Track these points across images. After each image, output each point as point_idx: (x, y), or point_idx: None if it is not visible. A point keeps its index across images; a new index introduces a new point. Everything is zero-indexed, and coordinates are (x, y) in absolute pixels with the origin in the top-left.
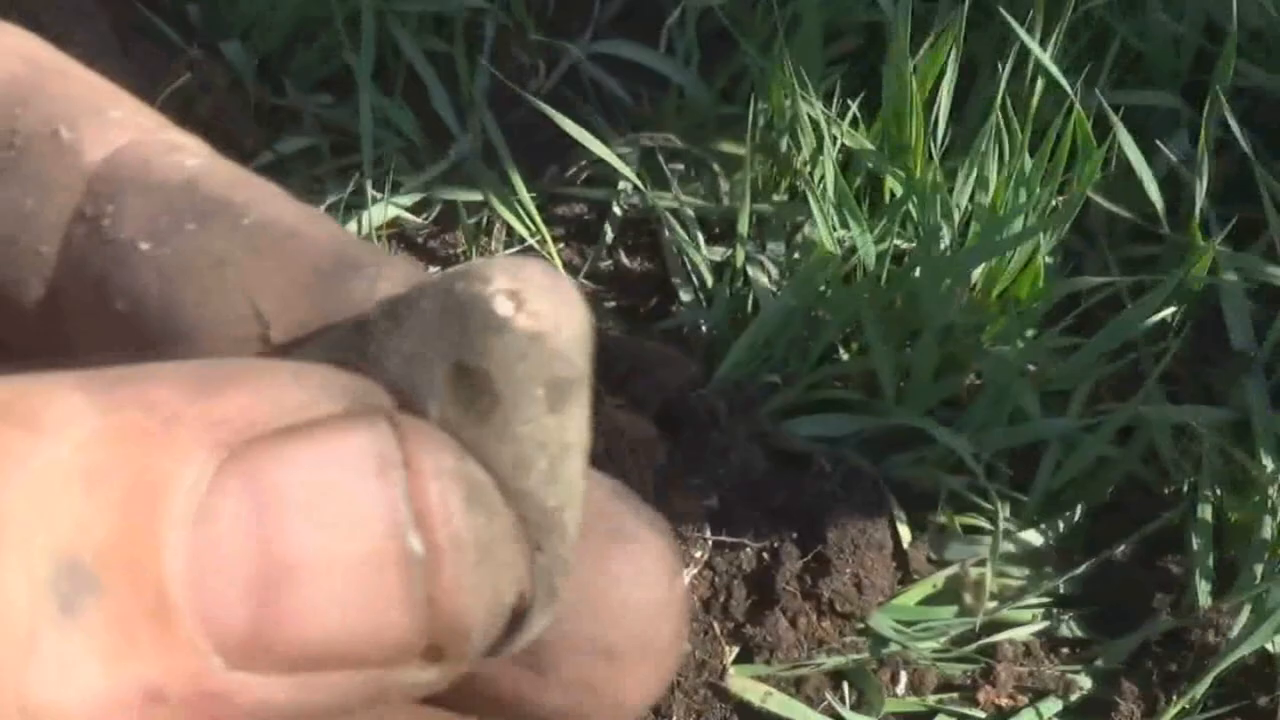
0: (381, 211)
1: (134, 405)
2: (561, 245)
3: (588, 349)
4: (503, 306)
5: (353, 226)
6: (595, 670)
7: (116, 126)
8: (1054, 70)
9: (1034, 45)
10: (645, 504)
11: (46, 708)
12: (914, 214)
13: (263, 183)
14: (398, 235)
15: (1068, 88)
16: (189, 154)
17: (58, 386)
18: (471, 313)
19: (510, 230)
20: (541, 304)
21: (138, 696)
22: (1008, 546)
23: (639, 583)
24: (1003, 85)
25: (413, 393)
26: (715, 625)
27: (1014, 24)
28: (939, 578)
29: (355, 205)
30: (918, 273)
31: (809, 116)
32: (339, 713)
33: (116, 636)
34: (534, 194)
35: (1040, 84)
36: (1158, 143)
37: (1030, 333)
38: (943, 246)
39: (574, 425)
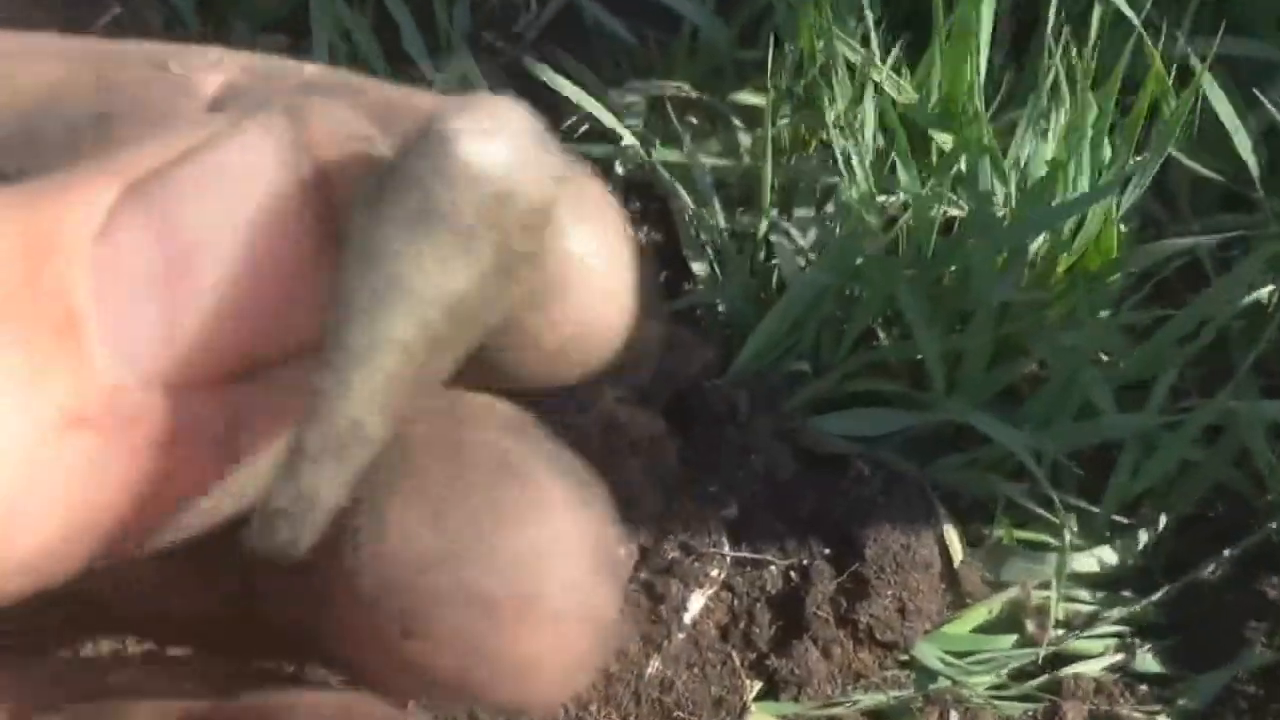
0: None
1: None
2: None
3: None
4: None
5: None
6: (473, 626)
7: (217, 66)
8: (1134, 17)
9: None
10: (559, 449)
11: None
12: (964, 174)
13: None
14: None
15: (1136, 22)
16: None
17: None
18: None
19: None
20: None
21: (58, 423)
22: (1076, 565)
23: (522, 526)
24: (1061, 23)
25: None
26: (735, 656)
27: None
28: (995, 602)
29: None
30: (969, 243)
31: (845, 60)
32: (268, 430)
33: (28, 362)
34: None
35: (1099, 22)
36: (1255, 92)
37: (1102, 313)
38: (998, 212)
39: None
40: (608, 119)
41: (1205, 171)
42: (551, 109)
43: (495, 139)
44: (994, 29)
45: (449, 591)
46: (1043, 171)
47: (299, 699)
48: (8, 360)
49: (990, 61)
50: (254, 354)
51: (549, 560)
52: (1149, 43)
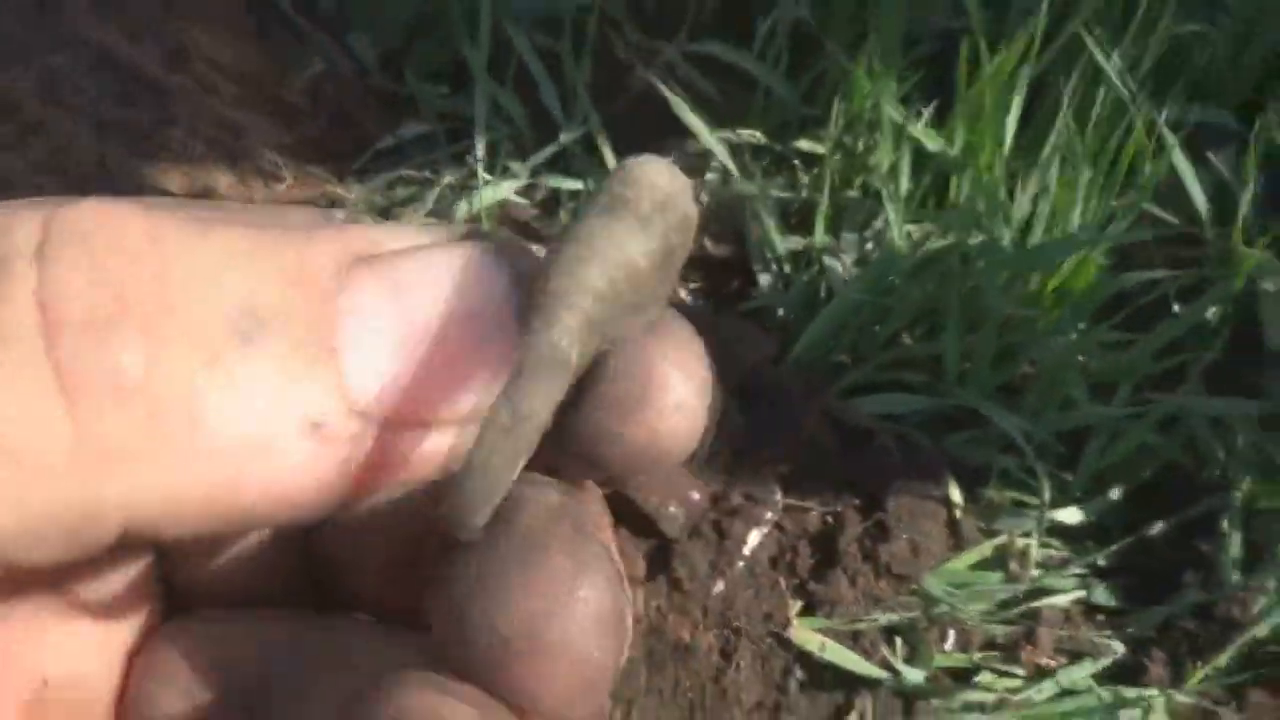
0: (491, 194)
1: (279, 256)
2: None
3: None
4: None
5: (464, 207)
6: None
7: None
8: (1118, 83)
9: (1101, 58)
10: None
11: (219, 417)
12: (981, 215)
13: None
14: (505, 217)
15: (1127, 99)
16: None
17: (205, 211)
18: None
19: None
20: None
21: (300, 422)
22: (1052, 521)
23: (668, 359)
24: (1066, 97)
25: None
26: (782, 581)
27: (1086, 37)
28: (988, 546)
29: (467, 188)
30: (980, 267)
31: (888, 118)
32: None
33: (286, 367)
34: None
35: (1104, 96)
36: (1209, 155)
37: (1082, 326)
38: (1005, 244)
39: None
40: (716, 148)
41: (1168, 218)
42: (652, 149)
43: (665, 166)
44: (1008, 94)
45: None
46: (1045, 216)
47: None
48: (277, 363)
49: (1005, 119)
50: (444, 414)
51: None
52: (1137, 121)
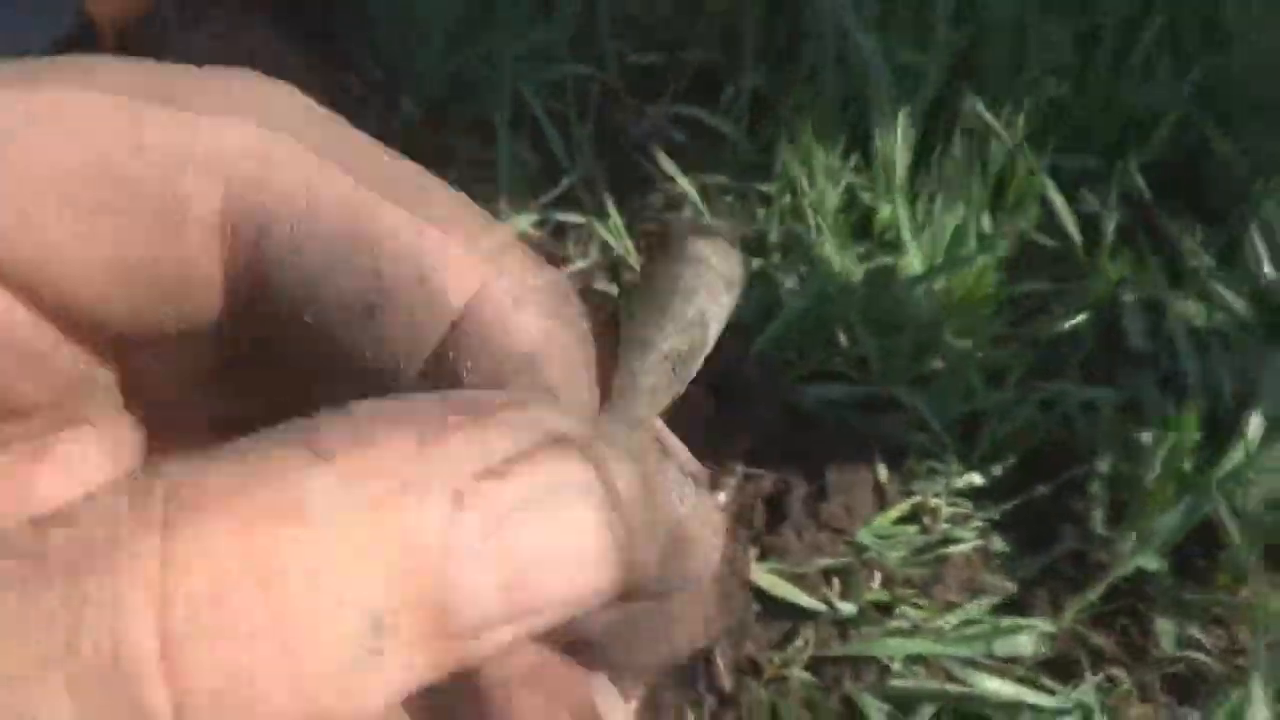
0: (512, 226)
1: (371, 476)
2: (639, 257)
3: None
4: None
5: None
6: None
7: (471, 269)
8: (1004, 135)
9: (989, 117)
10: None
11: (356, 705)
12: (897, 239)
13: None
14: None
15: (1009, 146)
16: (533, 312)
17: (300, 469)
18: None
19: (604, 244)
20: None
21: (419, 674)
22: (956, 484)
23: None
24: (966, 149)
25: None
26: (742, 534)
27: (977, 101)
28: (906, 505)
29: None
30: (899, 281)
31: (824, 165)
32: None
33: (410, 656)
34: (623, 217)
35: (996, 146)
36: (1080, 192)
37: (980, 329)
38: (917, 263)
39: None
40: (690, 190)
41: (1046, 241)
42: (640, 190)
43: (720, 238)
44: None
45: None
46: (948, 236)
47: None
48: (400, 656)
49: (914, 157)
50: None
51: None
52: (1020, 166)
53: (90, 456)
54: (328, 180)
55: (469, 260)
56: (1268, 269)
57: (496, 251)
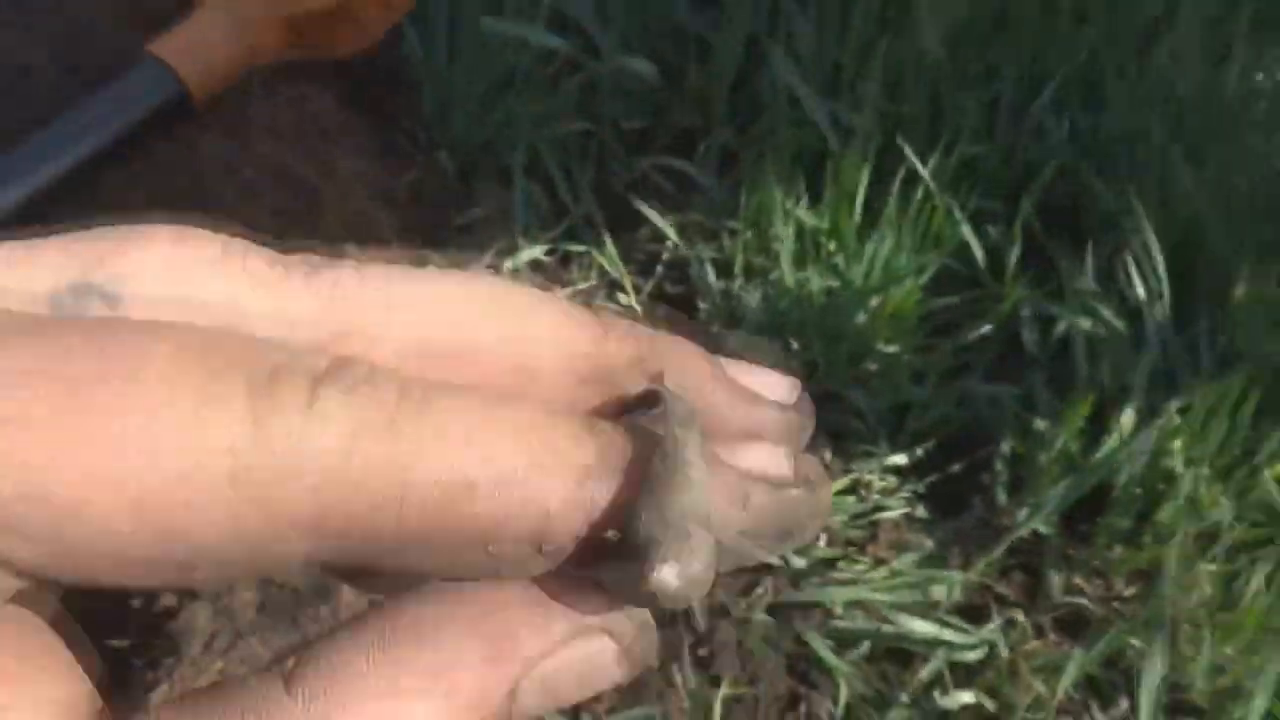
0: (526, 254)
1: (464, 694)
2: (631, 278)
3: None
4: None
5: (509, 264)
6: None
7: (575, 505)
8: (931, 184)
9: (921, 169)
10: None
11: None
12: (840, 266)
13: None
14: (536, 268)
15: (940, 197)
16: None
17: (417, 715)
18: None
19: (603, 269)
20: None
21: None
22: (887, 463)
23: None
24: (895, 192)
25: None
26: None
27: (909, 151)
28: (846, 480)
29: (509, 251)
30: (841, 298)
31: (780, 204)
32: None
33: None
34: (618, 247)
35: (922, 190)
36: (987, 228)
37: (906, 338)
38: (856, 284)
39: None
40: (668, 230)
41: (959, 267)
42: (633, 226)
43: (685, 570)
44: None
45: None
46: (881, 264)
47: None
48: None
49: (855, 199)
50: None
51: None
52: (939, 206)
53: None
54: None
55: (571, 495)
56: (1138, 288)
57: (590, 457)
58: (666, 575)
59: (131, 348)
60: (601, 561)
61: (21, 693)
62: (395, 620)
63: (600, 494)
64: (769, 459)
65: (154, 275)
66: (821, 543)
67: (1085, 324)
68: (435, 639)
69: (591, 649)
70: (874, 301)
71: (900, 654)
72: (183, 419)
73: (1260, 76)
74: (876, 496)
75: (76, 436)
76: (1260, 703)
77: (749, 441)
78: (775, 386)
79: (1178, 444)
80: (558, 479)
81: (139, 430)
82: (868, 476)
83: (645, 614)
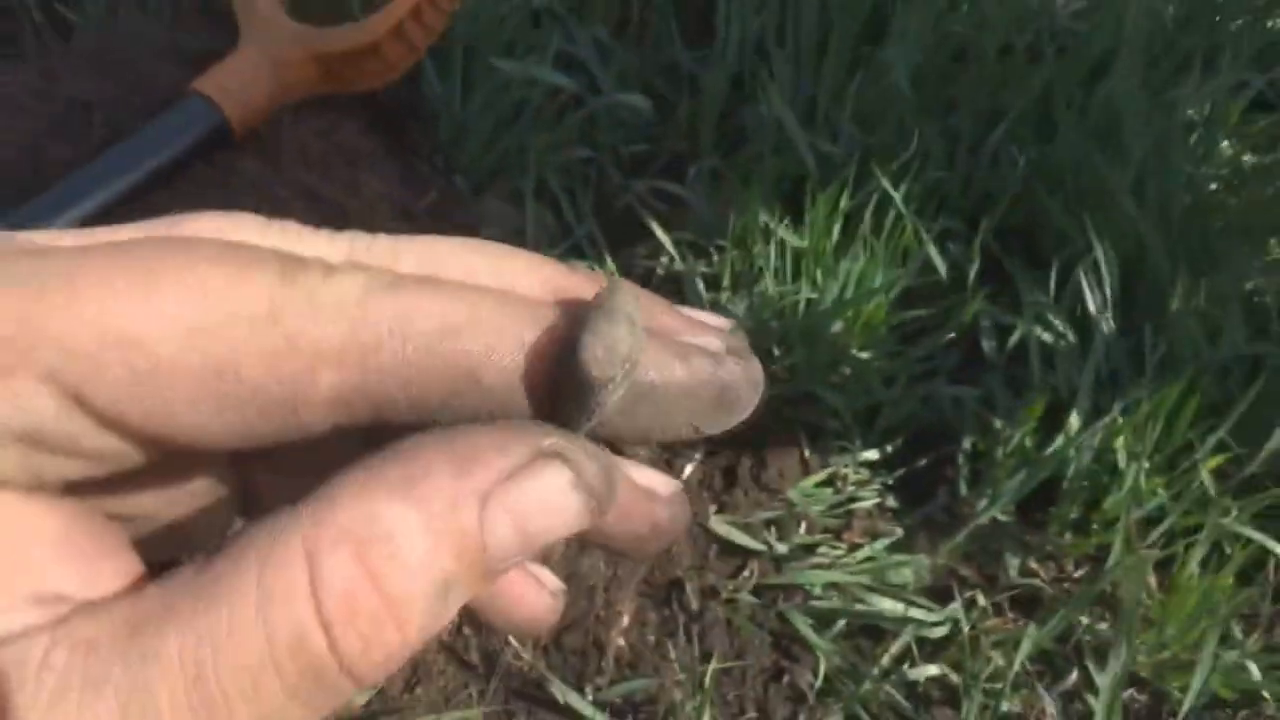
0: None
1: (435, 501)
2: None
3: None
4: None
5: None
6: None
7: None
8: (903, 209)
9: (892, 190)
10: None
11: (430, 627)
12: (818, 280)
13: None
14: None
15: (908, 218)
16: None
17: (391, 512)
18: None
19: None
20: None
21: (446, 583)
22: (861, 458)
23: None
24: (869, 214)
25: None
26: (705, 494)
27: (882, 178)
28: (824, 473)
29: None
30: (820, 310)
31: (763, 224)
32: None
33: (464, 593)
34: (616, 262)
35: (893, 213)
36: (949, 246)
37: (878, 345)
38: (832, 299)
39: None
40: (668, 243)
41: (926, 283)
42: (631, 243)
43: (616, 323)
44: (835, 208)
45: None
46: (855, 279)
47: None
48: (462, 595)
49: (832, 220)
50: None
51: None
52: (908, 227)
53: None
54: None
55: (543, 323)
56: (1088, 301)
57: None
58: (589, 342)
59: (185, 242)
60: (556, 405)
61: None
62: (378, 453)
63: (563, 323)
64: (707, 342)
65: (210, 231)
66: (801, 530)
67: (1039, 333)
68: (410, 458)
69: (550, 472)
70: (848, 313)
71: (873, 631)
72: (228, 276)
73: (1191, 111)
74: (851, 488)
75: (145, 294)
76: (1199, 677)
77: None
78: (717, 320)
79: (1121, 441)
80: (528, 315)
81: (194, 285)
82: (843, 470)
83: (607, 456)
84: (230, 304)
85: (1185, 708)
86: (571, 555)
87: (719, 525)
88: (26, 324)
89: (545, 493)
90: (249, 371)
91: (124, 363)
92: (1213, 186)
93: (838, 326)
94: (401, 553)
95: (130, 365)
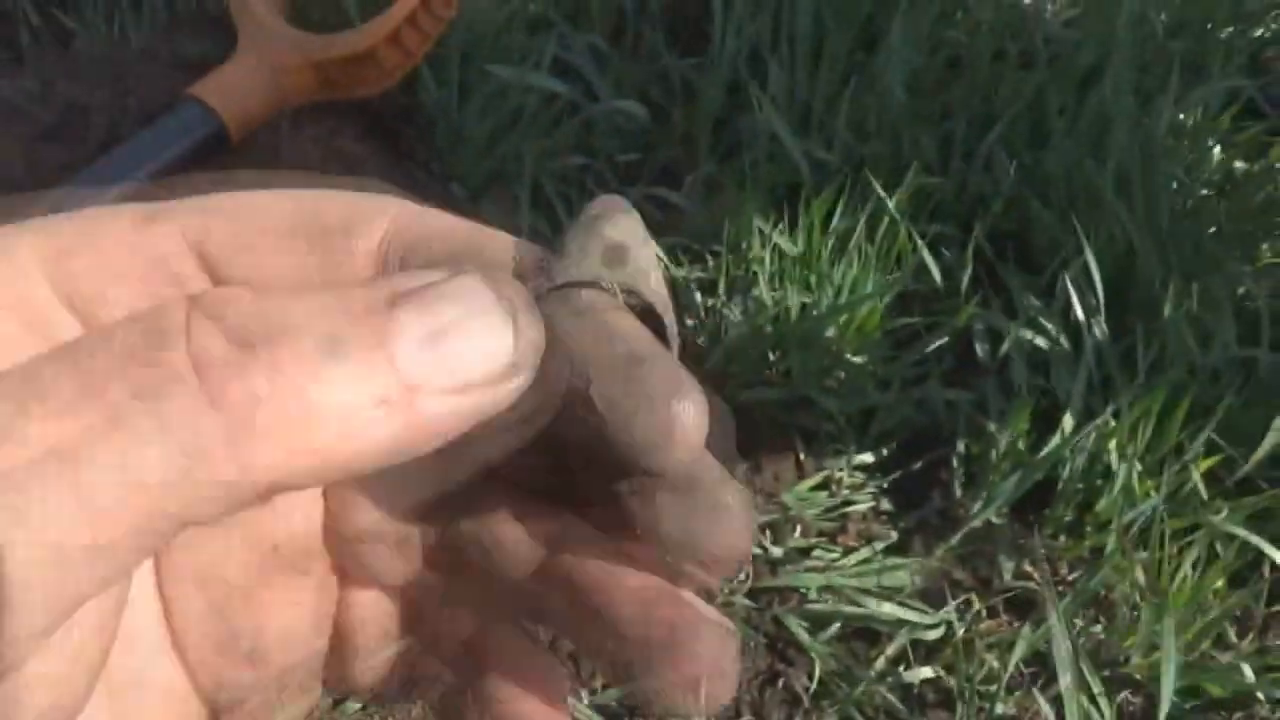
0: None
1: (346, 300)
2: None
3: (641, 225)
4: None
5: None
6: (693, 571)
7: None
8: (891, 210)
9: (887, 199)
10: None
11: (321, 403)
12: (813, 285)
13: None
14: None
15: (900, 223)
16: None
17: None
18: (609, 222)
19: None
20: (631, 217)
21: (373, 399)
22: (855, 461)
23: (730, 534)
24: (863, 220)
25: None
26: None
27: (876, 185)
28: (819, 476)
29: None
30: (814, 315)
31: (758, 229)
32: (476, 420)
33: (359, 369)
34: None
35: (886, 219)
36: (943, 251)
37: (871, 349)
38: (825, 304)
39: (652, 251)
40: (662, 253)
41: (919, 287)
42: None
43: (624, 212)
44: (829, 215)
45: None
46: (849, 283)
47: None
48: (353, 368)
49: (825, 225)
50: (468, 382)
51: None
52: (901, 232)
53: None
54: (437, 217)
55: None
56: (1076, 307)
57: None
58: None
59: None
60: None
61: None
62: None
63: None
64: None
65: None
66: (797, 533)
67: (1031, 337)
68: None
69: (468, 282)
70: (843, 317)
71: (868, 633)
72: None
73: (1182, 116)
74: (846, 492)
75: None
76: (1169, 674)
77: None
78: None
79: (1113, 443)
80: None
81: None
82: (838, 474)
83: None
84: None
85: (1164, 710)
86: None
87: None
88: None
89: (465, 303)
90: None
91: None
92: (1204, 192)
93: (832, 331)
94: (288, 303)
95: None
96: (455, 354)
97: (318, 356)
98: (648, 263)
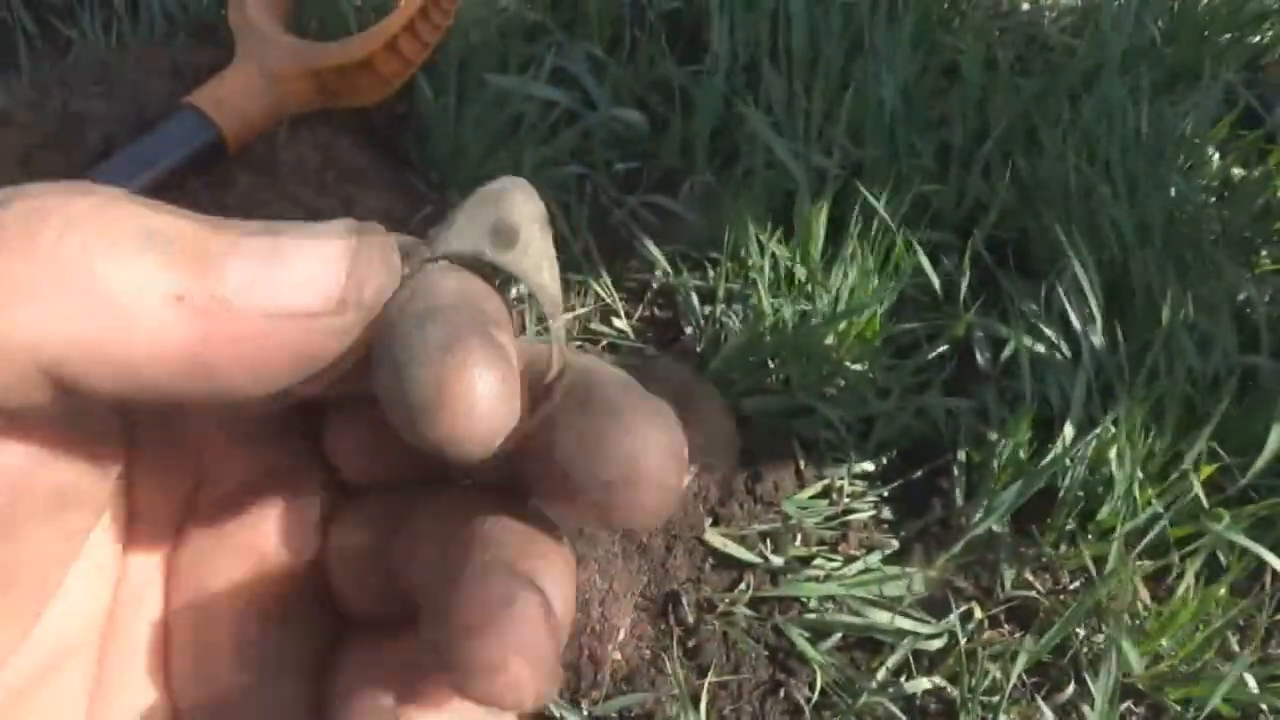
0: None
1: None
2: (623, 305)
3: (543, 211)
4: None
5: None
6: (601, 498)
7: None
8: (888, 219)
9: (879, 207)
10: (655, 398)
11: (105, 283)
12: (811, 293)
13: None
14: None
15: (898, 232)
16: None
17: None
18: (504, 200)
19: (599, 296)
20: (532, 201)
21: (166, 295)
22: (854, 470)
23: (634, 438)
24: (860, 228)
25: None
26: (700, 506)
27: (868, 194)
28: (819, 485)
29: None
30: (812, 322)
31: (756, 238)
32: (294, 351)
33: (168, 260)
34: (611, 277)
35: (882, 227)
36: (941, 258)
37: (871, 357)
38: (825, 312)
39: (549, 243)
40: (660, 259)
41: (918, 295)
42: (625, 257)
43: (519, 189)
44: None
45: (586, 478)
46: (848, 291)
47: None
48: (163, 259)
49: (823, 233)
50: (294, 308)
51: (644, 457)
52: (898, 240)
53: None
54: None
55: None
56: (1074, 315)
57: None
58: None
59: None
60: None
61: None
62: None
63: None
64: None
65: None
66: (797, 542)
67: (1031, 345)
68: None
69: (333, 223)
70: (842, 325)
71: (869, 643)
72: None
73: (1181, 124)
74: (846, 500)
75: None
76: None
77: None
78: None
79: (1113, 451)
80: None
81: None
82: (838, 482)
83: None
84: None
85: None
86: None
87: (714, 538)
88: None
89: (318, 231)
90: None
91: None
92: (1202, 199)
93: (832, 339)
94: (156, 209)
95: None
96: (281, 278)
97: (130, 238)
98: (540, 254)
